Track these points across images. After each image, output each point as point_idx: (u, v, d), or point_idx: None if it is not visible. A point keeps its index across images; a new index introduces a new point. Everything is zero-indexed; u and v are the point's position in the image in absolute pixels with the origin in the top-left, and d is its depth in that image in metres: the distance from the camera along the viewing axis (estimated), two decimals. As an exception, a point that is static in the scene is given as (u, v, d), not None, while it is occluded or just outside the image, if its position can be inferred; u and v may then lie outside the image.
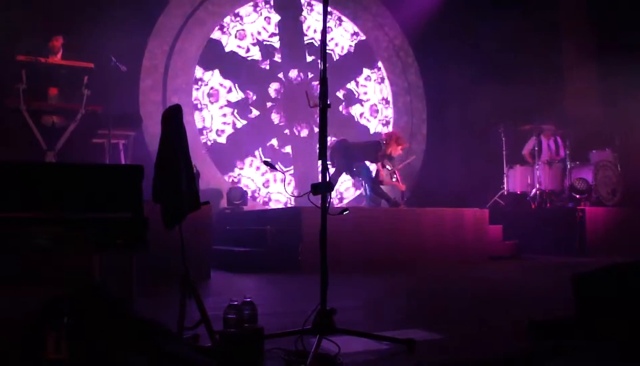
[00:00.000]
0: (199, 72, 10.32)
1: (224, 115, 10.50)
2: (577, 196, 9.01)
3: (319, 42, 10.93)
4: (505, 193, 9.98)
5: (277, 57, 11.04)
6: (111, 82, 7.12)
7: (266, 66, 10.92)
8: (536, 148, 9.61)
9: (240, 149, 10.52)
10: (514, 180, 9.91)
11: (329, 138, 3.16)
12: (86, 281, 2.67)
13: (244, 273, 6.32)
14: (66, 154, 6.68)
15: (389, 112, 12.06)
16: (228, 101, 10.54)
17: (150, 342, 2.18)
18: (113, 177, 2.67)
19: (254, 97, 10.73)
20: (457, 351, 2.74)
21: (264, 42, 10.97)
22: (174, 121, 2.71)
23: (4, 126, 6.75)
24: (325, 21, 2.91)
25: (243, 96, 10.64)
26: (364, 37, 11.93)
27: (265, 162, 3.26)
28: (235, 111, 10.57)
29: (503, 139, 10.03)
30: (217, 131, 10.40)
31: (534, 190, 9.49)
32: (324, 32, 2.87)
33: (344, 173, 8.72)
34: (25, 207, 2.46)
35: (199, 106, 10.30)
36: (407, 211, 7.80)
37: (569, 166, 9.32)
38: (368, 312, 3.92)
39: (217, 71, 10.48)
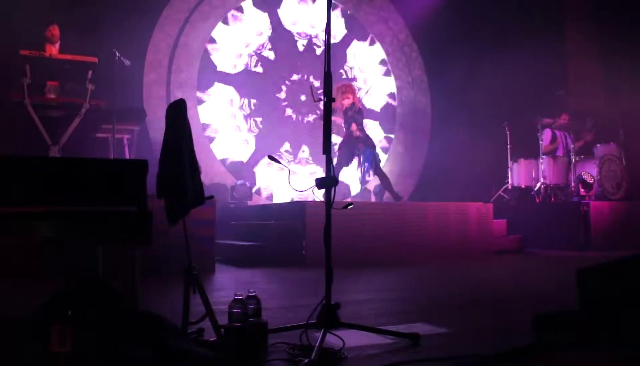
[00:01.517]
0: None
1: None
2: (584, 190, 8.99)
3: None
4: (510, 187, 9.96)
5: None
6: (115, 77, 7.13)
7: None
8: (558, 138, 9.73)
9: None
10: (518, 174, 9.88)
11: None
12: (90, 274, 2.68)
13: (248, 267, 6.33)
14: (70, 149, 6.70)
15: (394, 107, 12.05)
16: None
17: (154, 336, 2.18)
18: (117, 171, 2.67)
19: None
20: (461, 345, 2.73)
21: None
22: (178, 115, 2.71)
23: (9, 120, 6.77)
24: (329, 13, 2.89)
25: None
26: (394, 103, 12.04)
27: (270, 157, 3.26)
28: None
29: (507, 133, 10.02)
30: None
31: (538, 184, 9.47)
32: (328, 25, 2.86)
33: (345, 167, 8.65)
34: (30, 201, 2.46)
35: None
36: (411, 206, 7.79)
37: (573, 160, 9.30)
38: (372, 306, 3.92)
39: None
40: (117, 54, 7.16)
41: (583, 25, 11.03)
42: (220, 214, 7.07)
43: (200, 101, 10.22)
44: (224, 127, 10.43)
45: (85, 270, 3.17)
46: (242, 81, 10.65)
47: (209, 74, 10.38)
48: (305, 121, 11.00)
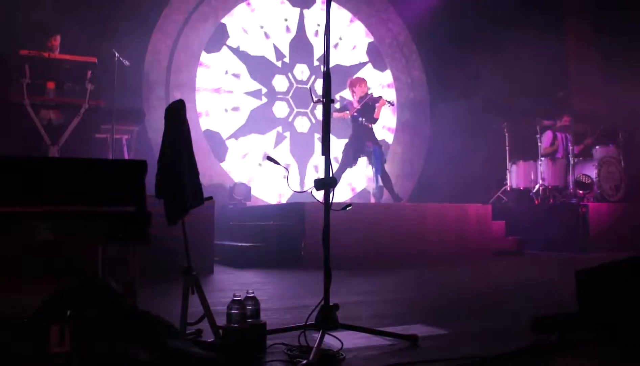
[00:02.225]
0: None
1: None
2: (581, 192, 9.01)
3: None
4: (509, 188, 9.97)
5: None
6: (114, 77, 7.12)
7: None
8: (558, 140, 9.83)
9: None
10: (517, 176, 9.90)
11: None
12: (89, 274, 2.68)
13: (247, 268, 6.32)
14: (69, 149, 6.70)
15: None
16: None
17: (152, 336, 2.18)
18: (117, 172, 2.67)
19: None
20: (460, 346, 2.73)
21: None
22: (177, 116, 2.71)
23: (8, 121, 6.77)
24: (328, 13, 2.89)
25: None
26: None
27: (269, 158, 3.26)
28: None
29: (506, 134, 10.04)
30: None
31: (537, 186, 9.48)
32: (328, 25, 2.86)
33: (349, 168, 8.55)
34: (30, 201, 2.46)
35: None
36: (411, 207, 7.78)
37: (572, 162, 9.31)
38: (371, 307, 3.92)
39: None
40: (117, 54, 7.16)
41: (583, 27, 11.04)
42: (219, 215, 7.08)
43: (201, 64, 10.31)
44: (218, 96, 10.47)
45: (84, 270, 3.17)
46: (251, 62, 10.75)
47: (220, 38, 10.49)
48: (296, 119, 11.04)
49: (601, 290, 2.90)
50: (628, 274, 2.83)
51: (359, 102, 8.34)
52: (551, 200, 9.35)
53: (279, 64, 10.99)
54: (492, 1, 10.72)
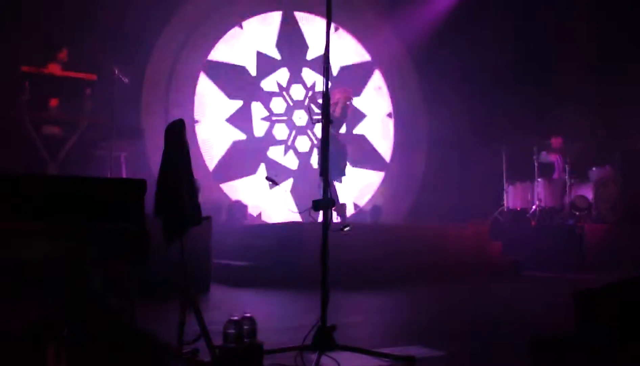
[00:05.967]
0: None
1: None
2: (577, 213, 9.03)
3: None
4: (505, 209, 9.98)
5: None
6: (114, 95, 7.14)
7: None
8: (553, 161, 9.86)
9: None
10: (514, 197, 9.91)
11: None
12: (87, 292, 2.67)
13: (244, 288, 6.30)
14: (68, 166, 6.70)
15: (390, 127, 12.07)
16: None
17: (149, 355, 2.17)
18: (116, 190, 2.67)
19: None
20: (457, 368, 2.73)
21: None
22: (177, 135, 2.72)
23: (7, 137, 6.77)
24: (328, 34, 2.92)
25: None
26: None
27: (268, 179, 3.27)
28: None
29: (503, 155, 10.05)
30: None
31: (533, 207, 9.49)
32: (327, 45, 2.88)
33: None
34: (28, 217, 2.46)
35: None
36: (408, 227, 7.79)
37: (568, 183, 9.33)
38: (368, 328, 3.91)
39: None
40: (116, 71, 7.17)
41: (580, 48, 11.11)
42: (216, 234, 7.06)
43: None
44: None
45: (82, 287, 3.16)
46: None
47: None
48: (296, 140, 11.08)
49: (600, 312, 2.90)
50: (627, 296, 2.83)
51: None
52: (548, 221, 9.36)
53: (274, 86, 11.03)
54: (490, 22, 10.79)
